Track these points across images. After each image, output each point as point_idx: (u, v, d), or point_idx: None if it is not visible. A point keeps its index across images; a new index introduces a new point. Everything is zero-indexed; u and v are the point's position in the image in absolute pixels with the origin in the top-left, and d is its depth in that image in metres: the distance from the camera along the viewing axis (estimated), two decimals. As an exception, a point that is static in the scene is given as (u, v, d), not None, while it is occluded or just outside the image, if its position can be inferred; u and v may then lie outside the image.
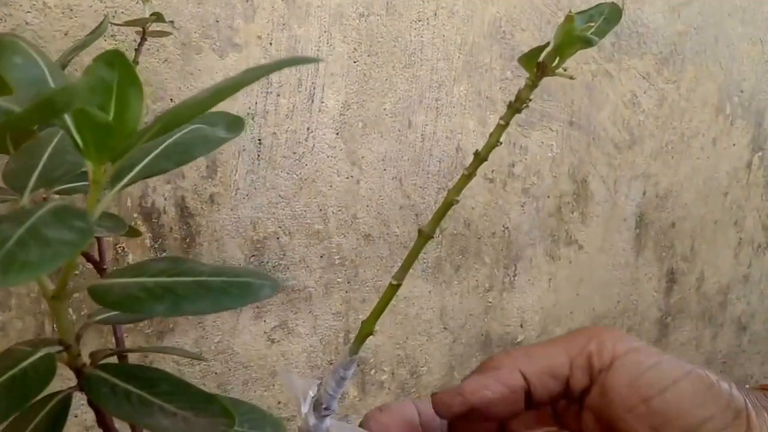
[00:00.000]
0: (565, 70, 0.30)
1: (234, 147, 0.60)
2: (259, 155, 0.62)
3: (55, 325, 0.54)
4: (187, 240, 0.60)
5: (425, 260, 0.74)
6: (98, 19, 0.51)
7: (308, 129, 0.64)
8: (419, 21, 0.69)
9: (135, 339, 0.59)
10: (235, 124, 0.28)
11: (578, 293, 0.94)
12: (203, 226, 0.60)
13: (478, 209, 0.79)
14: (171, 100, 0.57)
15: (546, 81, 0.85)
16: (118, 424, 0.31)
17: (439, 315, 0.78)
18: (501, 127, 0.30)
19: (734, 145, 1.09)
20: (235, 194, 0.61)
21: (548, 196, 0.86)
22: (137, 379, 0.25)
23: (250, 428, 0.29)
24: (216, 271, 0.23)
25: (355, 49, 0.65)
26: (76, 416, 0.56)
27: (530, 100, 0.29)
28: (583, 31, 0.29)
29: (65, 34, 0.51)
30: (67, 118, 0.21)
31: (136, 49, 0.49)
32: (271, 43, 0.60)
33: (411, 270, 0.31)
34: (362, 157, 0.68)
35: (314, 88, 0.63)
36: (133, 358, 0.48)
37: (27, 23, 0.50)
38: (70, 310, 0.56)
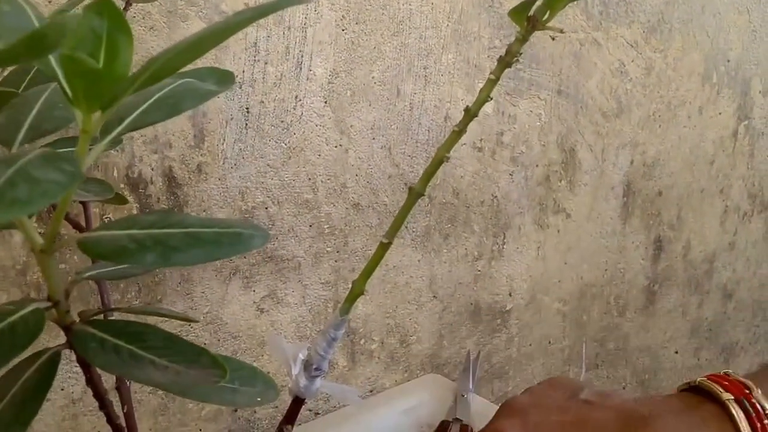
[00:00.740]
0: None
1: (221, 116, 0.59)
2: (246, 124, 0.61)
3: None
4: (175, 210, 0.59)
5: (414, 229, 0.74)
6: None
7: (296, 97, 0.63)
8: (407, -13, 0.68)
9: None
10: (225, 78, 0.27)
11: (566, 261, 0.94)
12: (191, 196, 0.60)
13: (467, 178, 0.79)
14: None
15: (534, 49, 0.84)
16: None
17: (428, 284, 0.78)
18: (491, 82, 0.30)
19: (720, 113, 1.10)
20: (223, 164, 0.61)
21: (537, 165, 0.86)
22: (126, 335, 0.25)
23: (241, 385, 0.30)
24: (207, 222, 0.23)
25: (343, 16, 0.64)
26: (62, 389, 0.56)
27: (520, 54, 0.29)
28: (573, -17, 0.28)
29: (49, 2, 0.50)
30: (56, 67, 0.20)
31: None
32: (257, 10, 0.60)
33: (401, 239, 0.31)
34: (351, 126, 0.67)
35: (302, 56, 0.63)
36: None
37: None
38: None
